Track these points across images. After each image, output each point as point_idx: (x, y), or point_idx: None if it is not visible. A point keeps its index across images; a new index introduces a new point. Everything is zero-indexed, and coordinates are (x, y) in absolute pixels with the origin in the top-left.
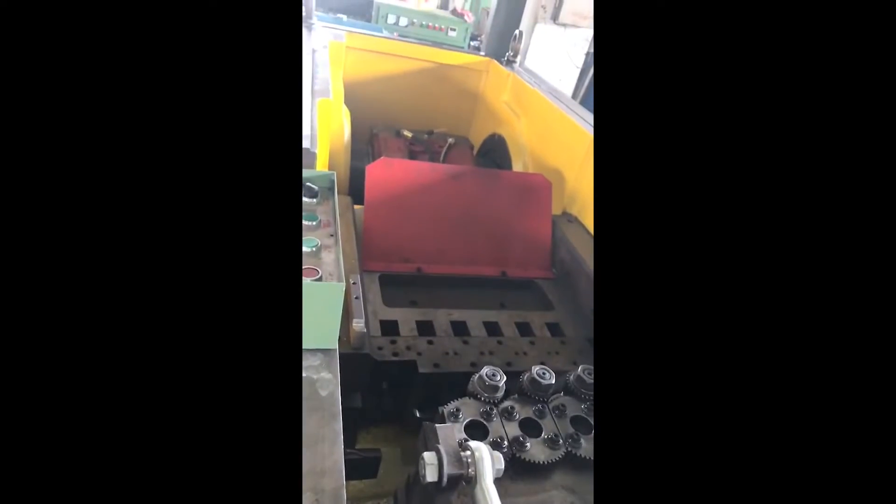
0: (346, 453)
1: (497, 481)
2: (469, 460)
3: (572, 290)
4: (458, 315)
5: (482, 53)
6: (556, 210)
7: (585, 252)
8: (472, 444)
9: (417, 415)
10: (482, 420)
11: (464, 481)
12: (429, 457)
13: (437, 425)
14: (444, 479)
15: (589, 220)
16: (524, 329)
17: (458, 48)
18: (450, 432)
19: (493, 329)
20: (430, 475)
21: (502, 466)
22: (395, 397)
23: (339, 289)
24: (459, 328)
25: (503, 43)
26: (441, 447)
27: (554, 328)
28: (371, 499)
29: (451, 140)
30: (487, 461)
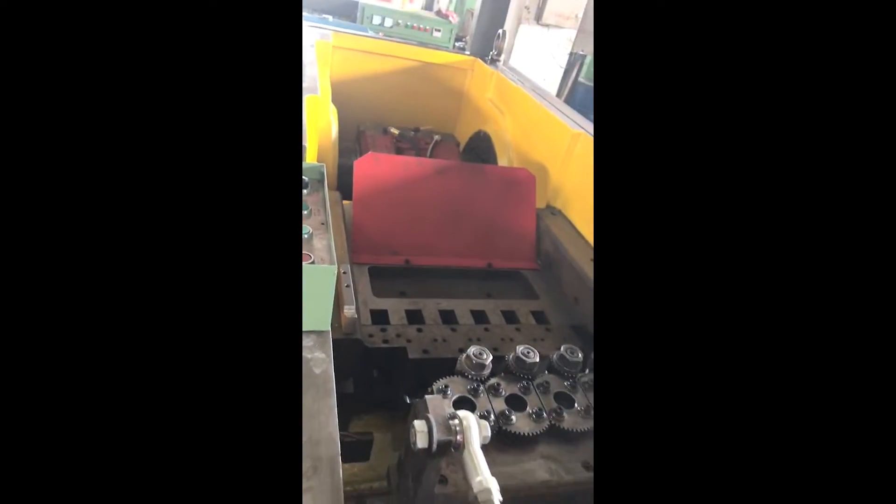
0: (340, 435)
1: (484, 451)
2: (457, 428)
3: (556, 280)
4: (446, 304)
5: (467, 53)
6: (541, 204)
7: (569, 243)
8: (460, 412)
9: (408, 401)
10: (469, 396)
11: (452, 448)
12: (419, 425)
13: (426, 396)
14: (434, 445)
15: (572, 213)
16: (510, 317)
17: (443, 48)
18: (439, 403)
19: (480, 317)
20: (421, 442)
21: (489, 434)
22: (385, 385)
23: (332, 271)
24: (447, 317)
25: (487, 43)
26: (430, 416)
27: (539, 316)
28: (364, 482)
29: (437, 137)
30: (475, 428)
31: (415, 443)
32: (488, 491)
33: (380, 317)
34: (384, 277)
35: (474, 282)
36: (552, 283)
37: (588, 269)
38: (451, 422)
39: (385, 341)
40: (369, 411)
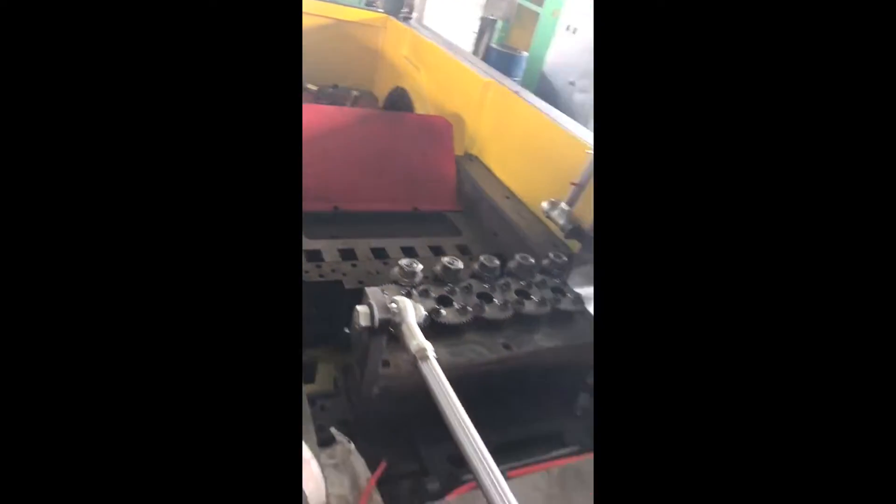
0: None
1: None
2: (395, 308)
3: (477, 219)
4: (377, 243)
5: (381, 11)
6: (459, 151)
7: (486, 185)
8: (397, 297)
9: (347, 331)
10: None
11: (391, 327)
12: (362, 308)
13: (366, 288)
14: (376, 323)
15: (488, 158)
16: (437, 251)
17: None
18: (378, 291)
19: (409, 252)
20: (364, 321)
21: (423, 314)
22: (324, 321)
23: None
24: (379, 253)
25: (399, 2)
26: (372, 301)
27: (463, 249)
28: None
29: (355, 93)
30: (410, 308)
31: (358, 323)
32: (424, 349)
33: (314, 255)
34: (314, 223)
35: (402, 224)
36: (472, 221)
37: (504, 205)
38: (389, 305)
39: (321, 276)
40: (311, 345)
